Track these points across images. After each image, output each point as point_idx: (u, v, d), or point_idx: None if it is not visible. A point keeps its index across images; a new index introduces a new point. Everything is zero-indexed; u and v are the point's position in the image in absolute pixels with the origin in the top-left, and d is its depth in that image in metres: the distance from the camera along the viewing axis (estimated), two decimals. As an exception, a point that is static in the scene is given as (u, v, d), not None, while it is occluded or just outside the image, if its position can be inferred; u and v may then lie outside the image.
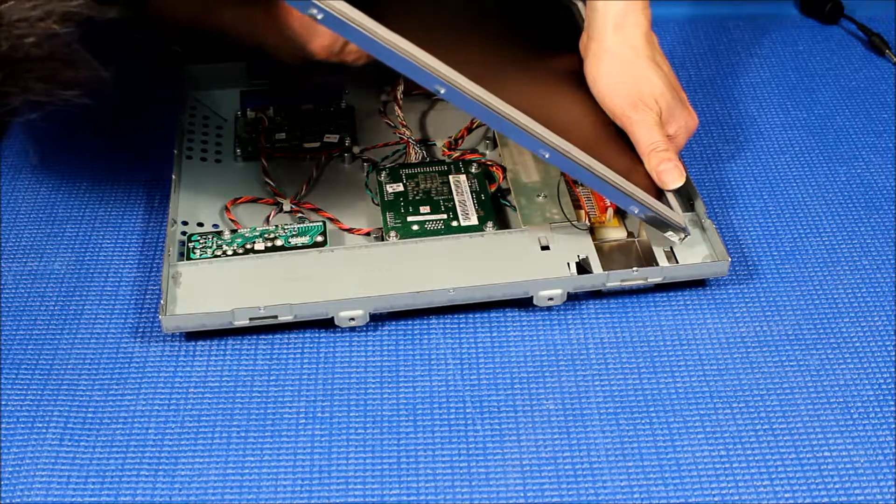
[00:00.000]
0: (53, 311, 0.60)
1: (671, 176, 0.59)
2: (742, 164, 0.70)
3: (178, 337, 0.58)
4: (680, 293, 0.60)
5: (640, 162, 0.60)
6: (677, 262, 0.60)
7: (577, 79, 0.62)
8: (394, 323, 0.59)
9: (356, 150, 0.69)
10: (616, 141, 0.60)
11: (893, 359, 0.57)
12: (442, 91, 0.50)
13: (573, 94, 0.62)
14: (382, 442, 0.53)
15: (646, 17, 0.61)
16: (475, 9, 0.65)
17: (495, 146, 0.69)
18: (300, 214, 0.64)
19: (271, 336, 0.58)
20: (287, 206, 0.65)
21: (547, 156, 0.54)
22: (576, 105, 0.61)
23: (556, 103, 0.60)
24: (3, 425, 0.53)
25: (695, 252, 0.60)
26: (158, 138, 0.72)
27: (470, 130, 0.70)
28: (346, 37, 0.48)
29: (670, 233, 0.59)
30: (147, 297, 0.60)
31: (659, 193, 0.59)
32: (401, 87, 0.69)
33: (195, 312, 0.56)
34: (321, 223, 0.63)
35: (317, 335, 0.58)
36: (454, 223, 0.62)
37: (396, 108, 0.69)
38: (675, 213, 0.59)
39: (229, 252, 0.61)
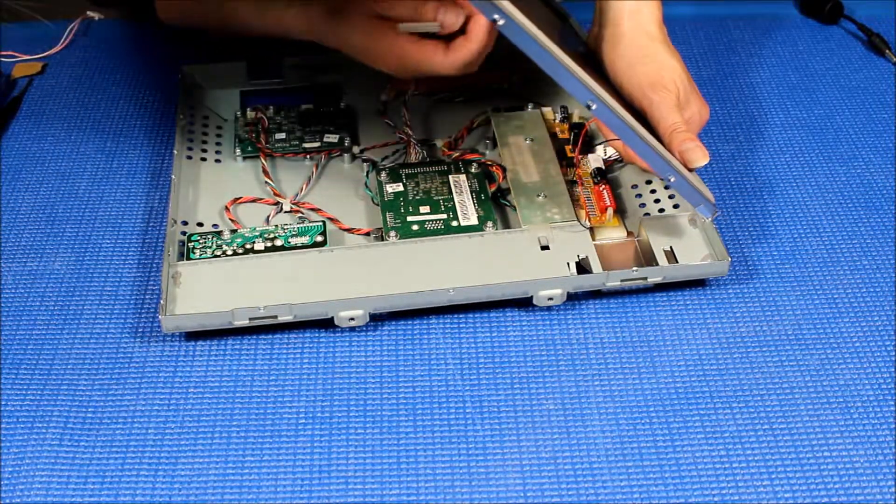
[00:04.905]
0: (53, 311, 0.60)
1: (695, 154, 0.58)
2: (741, 164, 0.70)
3: (178, 337, 0.58)
4: (680, 293, 0.60)
5: (662, 144, 0.59)
6: (677, 262, 0.60)
7: (589, 70, 0.62)
8: (394, 323, 0.59)
9: (356, 150, 0.69)
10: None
11: (893, 359, 0.57)
12: (501, 22, 0.49)
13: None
14: (382, 442, 0.53)
15: (658, 9, 0.63)
16: None
17: (495, 146, 0.69)
18: (300, 214, 0.64)
19: (271, 336, 0.58)
20: (287, 206, 0.65)
21: (594, 107, 0.53)
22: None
23: None
24: (3, 425, 0.53)
25: (695, 252, 0.60)
26: (158, 138, 0.72)
27: (470, 130, 0.70)
28: None
29: (702, 207, 0.59)
30: (147, 297, 0.60)
31: None
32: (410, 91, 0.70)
33: (195, 312, 0.56)
34: (321, 223, 0.63)
35: (317, 335, 0.58)
36: (454, 223, 0.62)
37: (403, 108, 0.70)
38: (705, 188, 0.59)
39: (229, 252, 0.61)
